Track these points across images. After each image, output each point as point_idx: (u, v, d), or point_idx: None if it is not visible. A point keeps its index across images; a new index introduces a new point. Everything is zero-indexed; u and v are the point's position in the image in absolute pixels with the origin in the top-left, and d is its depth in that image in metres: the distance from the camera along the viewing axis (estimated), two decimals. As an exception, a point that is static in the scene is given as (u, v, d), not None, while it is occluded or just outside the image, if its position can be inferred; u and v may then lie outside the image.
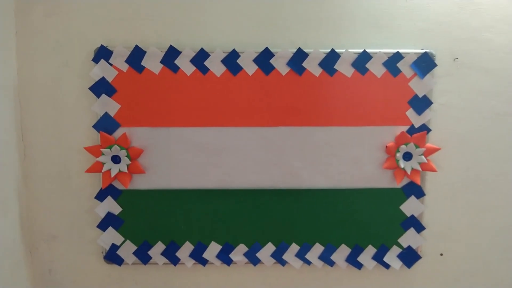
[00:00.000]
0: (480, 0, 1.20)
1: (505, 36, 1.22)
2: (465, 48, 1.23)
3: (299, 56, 1.19)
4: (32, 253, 1.30)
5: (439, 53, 1.22)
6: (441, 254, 1.33)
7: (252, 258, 1.29)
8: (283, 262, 1.29)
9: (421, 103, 1.21)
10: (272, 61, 1.19)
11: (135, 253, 1.28)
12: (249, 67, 1.19)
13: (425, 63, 1.20)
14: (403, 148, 1.22)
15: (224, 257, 1.29)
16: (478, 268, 1.34)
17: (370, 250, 1.29)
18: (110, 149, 1.20)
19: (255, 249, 1.29)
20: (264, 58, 1.19)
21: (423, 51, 1.20)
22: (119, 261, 1.28)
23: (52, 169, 1.26)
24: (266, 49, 1.18)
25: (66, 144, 1.24)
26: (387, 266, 1.30)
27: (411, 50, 1.20)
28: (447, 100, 1.24)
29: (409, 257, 1.30)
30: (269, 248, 1.29)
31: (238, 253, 1.29)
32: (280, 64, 1.20)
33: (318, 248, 1.29)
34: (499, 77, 1.24)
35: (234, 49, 1.18)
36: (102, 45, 1.17)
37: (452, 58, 1.23)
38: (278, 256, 1.29)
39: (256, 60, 1.19)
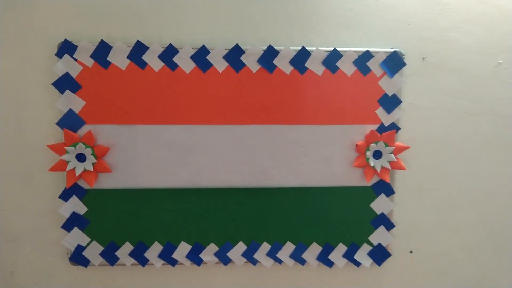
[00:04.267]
0: (448, 0, 1.22)
1: (472, 37, 1.24)
2: (434, 48, 1.24)
3: (270, 54, 1.18)
4: (-7, 255, 1.26)
5: (408, 52, 1.23)
6: (411, 252, 1.34)
7: (223, 258, 1.27)
8: (254, 261, 1.28)
9: (391, 102, 1.22)
10: (242, 58, 1.18)
11: (101, 254, 1.24)
12: (219, 64, 1.18)
13: (394, 62, 1.21)
14: (373, 147, 1.23)
15: (194, 257, 1.26)
16: (446, 266, 1.36)
17: (341, 248, 1.29)
18: (75, 147, 1.16)
19: (225, 249, 1.27)
20: (235, 55, 1.17)
21: (393, 50, 1.21)
22: (85, 262, 1.24)
23: (14, 168, 1.21)
24: (237, 46, 1.17)
25: (29, 141, 1.19)
26: (357, 264, 1.30)
27: (381, 49, 1.21)
28: (415, 99, 1.25)
29: (379, 254, 1.31)
30: (240, 247, 1.27)
31: (209, 253, 1.27)
32: (250, 61, 1.18)
33: (289, 247, 1.28)
34: (466, 77, 1.26)
35: (203, 45, 1.16)
36: (66, 39, 1.13)
37: (421, 58, 1.24)
38: (249, 255, 1.28)
39: (226, 57, 1.17)
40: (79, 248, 1.23)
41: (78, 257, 1.24)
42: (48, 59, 1.15)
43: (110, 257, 1.24)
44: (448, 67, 1.25)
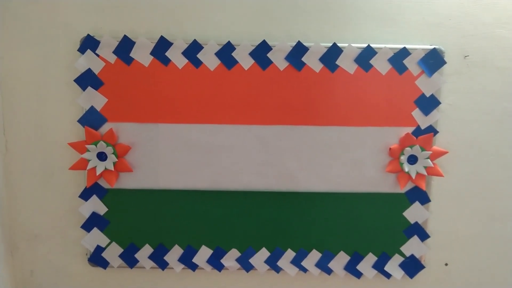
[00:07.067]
0: (494, -6, 1.13)
1: (520, 33, 1.15)
2: (477, 45, 1.15)
3: (299, 50, 1.11)
4: (13, 253, 1.24)
5: (448, 50, 1.14)
6: (446, 264, 1.25)
7: (245, 264, 1.22)
8: (277, 269, 1.22)
9: (428, 103, 1.14)
10: (269, 55, 1.12)
11: (121, 256, 1.21)
12: (245, 61, 1.12)
13: (433, 60, 1.12)
14: (408, 151, 1.15)
15: (215, 262, 1.22)
16: (485, 280, 1.27)
17: (371, 258, 1.22)
18: (96, 145, 1.13)
19: (248, 255, 1.22)
20: (261, 52, 1.12)
21: (432, 47, 1.12)
22: (104, 264, 1.21)
23: (34, 165, 1.19)
24: (264, 42, 1.11)
25: (50, 139, 1.17)
26: (388, 275, 1.23)
27: (419, 46, 1.13)
28: (456, 101, 1.17)
29: (412, 266, 1.22)
30: (263, 253, 1.22)
31: (230, 258, 1.22)
32: (278, 58, 1.12)
33: (315, 255, 1.22)
34: (511, 77, 1.16)
35: (229, 41, 1.11)
36: (88, 35, 1.11)
37: (463, 56, 1.15)
38: (272, 263, 1.22)
39: (252, 54, 1.12)
40: (98, 249, 1.20)
41: (97, 258, 1.21)
42: (70, 55, 1.13)
43: (129, 259, 1.21)
44: (491, 66, 1.16)
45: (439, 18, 1.14)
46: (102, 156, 1.14)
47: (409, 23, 1.14)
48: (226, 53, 1.12)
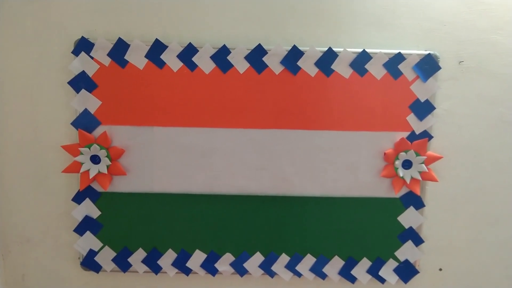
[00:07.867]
0: (489, 0, 1.13)
1: (514, 39, 1.15)
2: (471, 51, 1.15)
3: (294, 54, 1.11)
4: (5, 257, 1.23)
5: (443, 55, 1.14)
6: (440, 269, 1.25)
7: (239, 269, 1.21)
8: (272, 274, 1.22)
9: (423, 108, 1.14)
10: (265, 58, 1.12)
11: (114, 260, 1.20)
12: (240, 65, 1.12)
13: (428, 66, 1.13)
14: (403, 156, 1.15)
15: (209, 266, 1.21)
16: (479, 285, 1.27)
17: (365, 263, 1.22)
18: (89, 148, 1.12)
19: (242, 259, 1.21)
20: (257, 55, 1.12)
21: (427, 52, 1.13)
22: (97, 268, 1.20)
23: (27, 168, 1.18)
24: (259, 46, 1.11)
25: (43, 141, 1.16)
26: (382, 280, 1.22)
27: (414, 51, 1.13)
28: (450, 106, 1.17)
29: (406, 271, 1.22)
30: (258, 258, 1.21)
31: (224, 263, 1.21)
32: (273, 62, 1.12)
33: (309, 260, 1.21)
34: (506, 83, 1.17)
35: (224, 44, 1.11)
36: (83, 37, 1.10)
37: (457, 61, 1.16)
38: (266, 267, 1.22)
39: (248, 57, 1.12)
40: (91, 253, 1.19)
41: (90, 262, 1.20)
42: (64, 57, 1.12)
43: (122, 263, 1.20)
44: (486, 72, 1.16)
45: (434, 24, 1.14)
46: (95, 159, 1.13)
47: (404, 28, 1.14)
48: (221, 56, 1.11)
